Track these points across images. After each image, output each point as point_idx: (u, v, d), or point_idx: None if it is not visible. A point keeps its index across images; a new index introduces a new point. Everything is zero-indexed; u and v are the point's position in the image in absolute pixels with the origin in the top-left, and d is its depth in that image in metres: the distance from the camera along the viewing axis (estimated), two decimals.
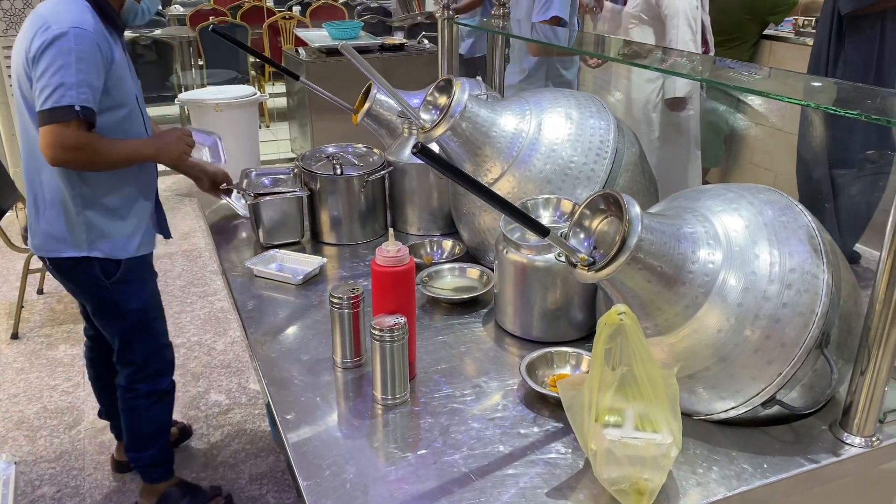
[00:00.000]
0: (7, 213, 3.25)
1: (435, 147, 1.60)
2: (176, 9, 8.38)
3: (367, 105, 2.02)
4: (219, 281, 3.86)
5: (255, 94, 5.17)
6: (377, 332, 1.24)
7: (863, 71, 3.23)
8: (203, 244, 4.37)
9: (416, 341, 1.39)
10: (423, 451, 1.18)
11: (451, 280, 1.72)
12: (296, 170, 2.04)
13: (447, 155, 1.62)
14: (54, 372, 3.10)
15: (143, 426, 2.16)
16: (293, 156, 5.97)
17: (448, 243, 1.90)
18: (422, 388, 1.34)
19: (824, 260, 1.15)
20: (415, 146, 1.03)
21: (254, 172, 2.07)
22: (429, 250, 1.88)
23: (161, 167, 2.07)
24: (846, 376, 1.20)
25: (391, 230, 1.34)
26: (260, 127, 5.95)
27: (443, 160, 1.08)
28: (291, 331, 1.56)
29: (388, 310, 1.28)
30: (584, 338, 1.47)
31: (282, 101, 6.70)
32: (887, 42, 3.22)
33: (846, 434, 1.19)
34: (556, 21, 3.03)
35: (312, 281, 1.77)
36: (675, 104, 3.48)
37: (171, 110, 6.29)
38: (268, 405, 1.37)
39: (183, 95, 5.10)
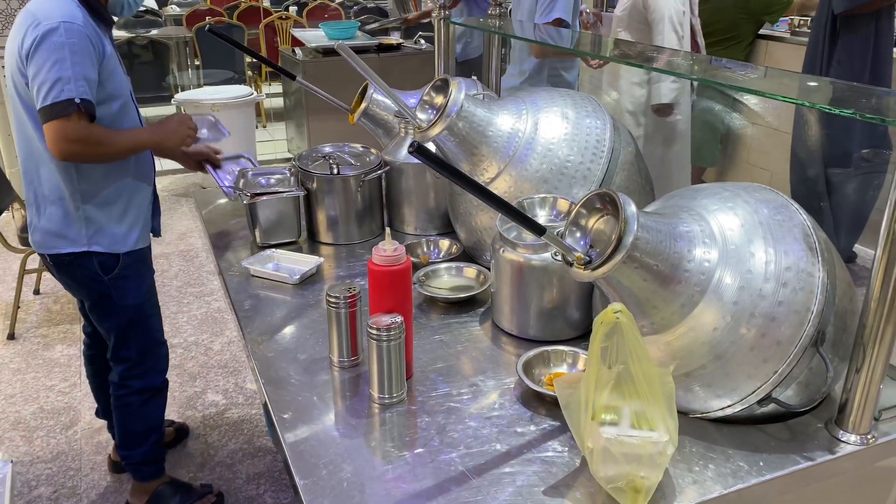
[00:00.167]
0: (3, 214, 3.25)
1: (431, 146, 1.60)
2: (172, 9, 8.37)
3: (363, 105, 2.02)
4: (216, 281, 3.85)
5: (252, 94, 5.17)
6: (374, 332, 1.24)
7: (857, 70, 3.24)
8: (200, 244, 4.37)
9: (413, 340, 1.39)
10: (420, 450, 1.18)
11: (447, 279, 1.72)
12: (292, 169, 2.04)
13: (444, 154, 1.62)
14: (51, 372, 3.09)
15: (135, 423, 2.16)
16: (290, 156, 5.97)
17: (445, 243, 1.90)
18: (419, 387, 1.34)
19: (819, 258, 1.16)
20: (411, 145, 1.03)
21: (250, 172, 2.07)
22: (425, 250, 1.89)
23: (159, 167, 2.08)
24: (842, 374, 1.20)
25: (388, 229, 1.35)
26: (256, 127, 5.95)
27: (439, 159, 1.08)
28: (288, 330, 1.56)
29: (385, 309, 1.29)
30: (581, 336, 1.48)
31: (278, 102, 6.70)
32: (881, 41, 3.24)
33: (842, 432, 1.19)
34: (559, 23, 3.02)
35: (309, 280, 1.77)
36: (661, 110, 3.49)
37: (168, 111, 6.27)
38: (265, 405, 1.37)
39: (179, 96, 5.09)
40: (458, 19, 2.60)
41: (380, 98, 2.02)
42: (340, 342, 1.39)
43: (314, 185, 1.93)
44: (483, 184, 1.48)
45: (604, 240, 1.16)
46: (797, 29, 4.56)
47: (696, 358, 1.15)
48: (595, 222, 1.20)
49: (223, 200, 2.29)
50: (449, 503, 1.06)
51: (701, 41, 3.63)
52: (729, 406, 1.18)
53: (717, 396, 1.18)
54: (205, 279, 3.93)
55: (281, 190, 1.94)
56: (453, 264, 1.75)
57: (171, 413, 2.75)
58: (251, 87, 6.35)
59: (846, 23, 3.24)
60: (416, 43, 5.55)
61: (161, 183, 4.94)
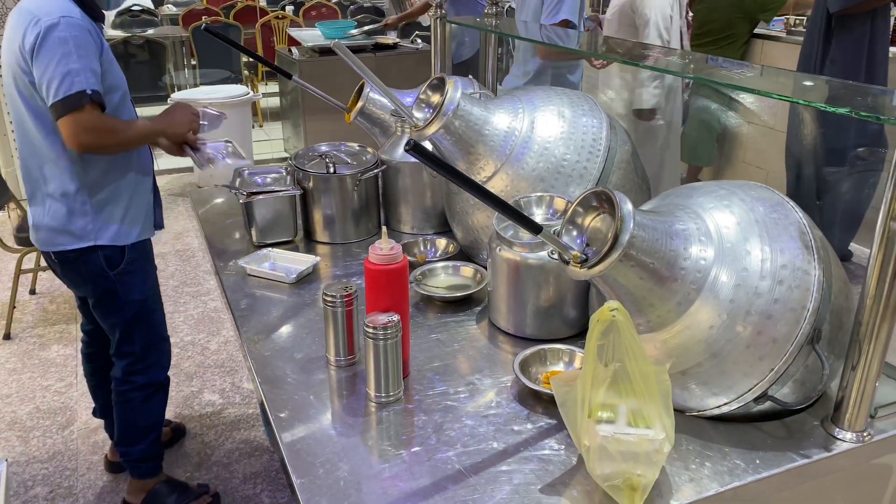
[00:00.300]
0: None
1: (428, 145, 1.60)
2: (168, 8, 8.35)
3: (360, 104, 2.02)
4: (212, 281, 3.85)
5: (248, 93, 5.16)
6: (370, 330, 1.24)
7: (852, 69, 3.24)
8: (196, 244, 4.36)
9: (410, 339, 1.39)
10: (416, 449, 1.18)
11: (444, 278, 1.72)
12: (289, 169, 2.04)
13: (440, 153, 1.62)
14: (47, 372, 3.08)
15: (136, 419, 2.17)
16: (286, 155, 5.97)
17: (441, 242, 1.90)
18: (415, 386, 1.34)
19: (815, 256, 1.16)
20: (407, 144, 1.03)
21: (247, 172, 2.07)
22: (422, 249, 1.89)
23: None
24: (837, 372, 1.21)
25: (384, 228, 1.35)
26: (253, 126, 5.94)
27: (436, 158, 1.08)
28: (285, 329, 1.56)
29: (382, 308, 1.29)
30: (577, 335, 1.48)
31: (275, 101, 6.68)
32: (877, 40, 3.24)
33: (838, 429, 1.20)
34: (566, 24, 3.00)
35: (306, 280, 1.77)
36: (642, 114, 3.49)
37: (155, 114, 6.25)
38: (261, 404, 1.37)
39: (176, 95, 5.08)
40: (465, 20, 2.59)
41: (376, 97, 2.02)
42: (337, 341, 1.39)
43: (311, 184, 1.93)
44: (480, 182, 1.48)
45: (600, 238, 1.16)
46: (793, 28, 4.56)
47: (693, 356, 1.15)
48: (591, 221, 1.20)
49: (220, 200, 2.29)
50: (446, 502, 1.06)
51: (686, 45, 3.64)
52: (725, 404, 1.18)
53: (713, 394, 1.18)
54: (201, 279, 3.93)
55: (277, 189, 1.94)
56: (450, 263, 1.75)
57: (168, 413, 2.74)
58: (247, 86, 6.35)
59: (841, 22, 3.24)
60: (412, 42, 5.55)
61: (158, 182, 4.92)
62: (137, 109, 2.05)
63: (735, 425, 1.22)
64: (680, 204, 1.27)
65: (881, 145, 3.28)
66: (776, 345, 1.12)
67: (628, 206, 1.10)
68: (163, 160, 1.96)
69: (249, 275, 1.79)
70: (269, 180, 2.02)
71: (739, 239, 1.16)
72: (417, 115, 1.60)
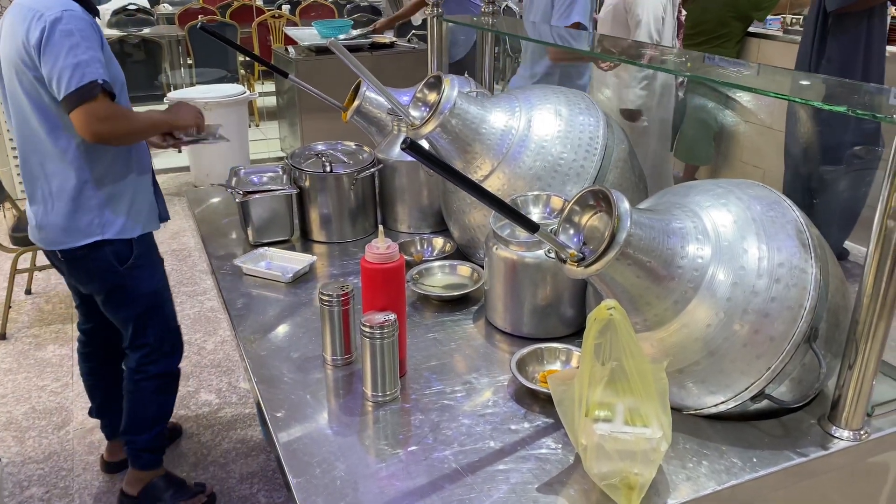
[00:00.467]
0: None
1: (425, 144, 1.60)
2: (164, 7, 8.33)
3: (356, 102, 2.01)
4: (208, 280, 3.84)
5: (245, 92, 5.15)
6: (367, 329, 1.23)
7: (849, 68, 3.25)
8: (192, 243, 4.35)
9: (407, 338, 1.39)
10: (413, 448, 1.17)
11: (441, 277, 1.72)
12: (285, 168, 2.03)
13: (437, 152, 1.62)
14: (43, 372, 3.08)
15: (146, 409, 2.18)
16: (283, 155, 5.96)
17: (438, 241, 1.90)
18: (412, 385, 1.34)
19: (812, 254, 1.16)
20: (404, 142, 1.02)
21: (243, 171, 2.07)
22: (419, 248, 1.88)
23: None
24: (834, 370, 1.21)
25: (381, 227, 1.34)
26: (249, 126, 5.93)
27: (433, 156, 1.08)
28: (281, 329, 1.55)
29: (378, 307, 1.28)
30: (574, 334, 1.48)
31: (271, 100, 6.68)
32: (874, 39, 3.24)
33: (835, 428, 1.20)
34: (577, 26, 2.98)
35: (302, 279, 1.76)
36: (627, 115, 3.49)
37: (160, 109, 6.24)
38: (258, 403, 1.37)
39: (172, 94, 5.07)
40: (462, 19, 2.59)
41: (373, 96, 2.01)
42: (333, 340, 1.39)
43: (307, 183, 1.92)
44: (476, 181, 1.48)
45: (597, 237, 1.16)
46: (789, 27, 4.57)
47: (690, 354, 1.15)
48: (588, 219, 1.19)
49: (216, 199, 2.28)
50: (443, 501, 1.06)
51: (678, 46, 3.65)
52: (722, 402, 1.18)
53: (710, 393, 1.18)
54: (197, 278, 3.92)
55: (274, 188, 1.93)
56: (447, 262, 1.75)
57: None
58: (244, 85, 6.33)
59: (838, 21, 3.25)
60: (409, 41, 5.54)
61: None
62: (134, 109, 2.04)
63: (732, 424, 1.22)
64: (677, 202, 1.27)
65: (877, 144, 3.29)
66: (773, 343, 1.12)
67: (625, 205, 1.10)
68: (158, 159, 1.96)
69: (246, 274, 1.78)
70: (265, 179, 2.02)
71: (736, 237, 1.16)
72: (414, 113, 1.60)
